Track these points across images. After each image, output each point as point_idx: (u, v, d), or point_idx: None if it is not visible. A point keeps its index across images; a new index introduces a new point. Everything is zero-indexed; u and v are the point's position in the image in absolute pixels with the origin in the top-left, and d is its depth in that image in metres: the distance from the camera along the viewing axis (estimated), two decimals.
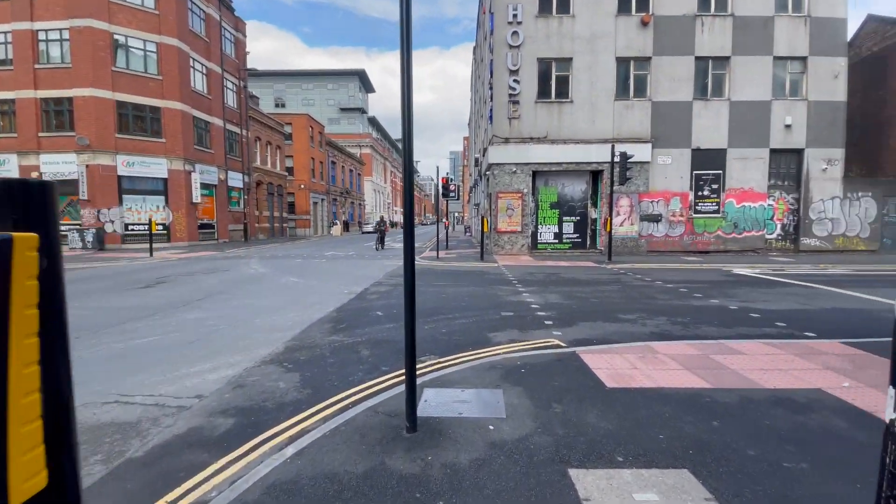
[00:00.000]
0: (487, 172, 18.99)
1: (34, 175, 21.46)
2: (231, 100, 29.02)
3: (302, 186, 41.05)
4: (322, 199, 44.98)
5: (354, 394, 3.96)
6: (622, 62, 17.50)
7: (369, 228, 47.54)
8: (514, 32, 17.03)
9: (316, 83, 71.69)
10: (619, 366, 4.47)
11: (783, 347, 5.10)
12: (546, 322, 6.45)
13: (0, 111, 21.57)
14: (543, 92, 17.51)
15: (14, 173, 21.54)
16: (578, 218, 18.23)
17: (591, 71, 17.34)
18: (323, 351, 5.22)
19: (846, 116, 17.58)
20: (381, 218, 25.75)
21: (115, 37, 21.62)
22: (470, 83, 44.92)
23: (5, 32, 21.11)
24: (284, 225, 38.36)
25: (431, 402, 3.66)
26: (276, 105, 66.92)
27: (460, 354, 4.97)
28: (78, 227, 21.44)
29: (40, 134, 21.40)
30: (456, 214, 71.81)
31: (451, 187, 20.26)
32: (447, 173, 20.35)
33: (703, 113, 17.53)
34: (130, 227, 22.50)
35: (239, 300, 8.31)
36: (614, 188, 15.74)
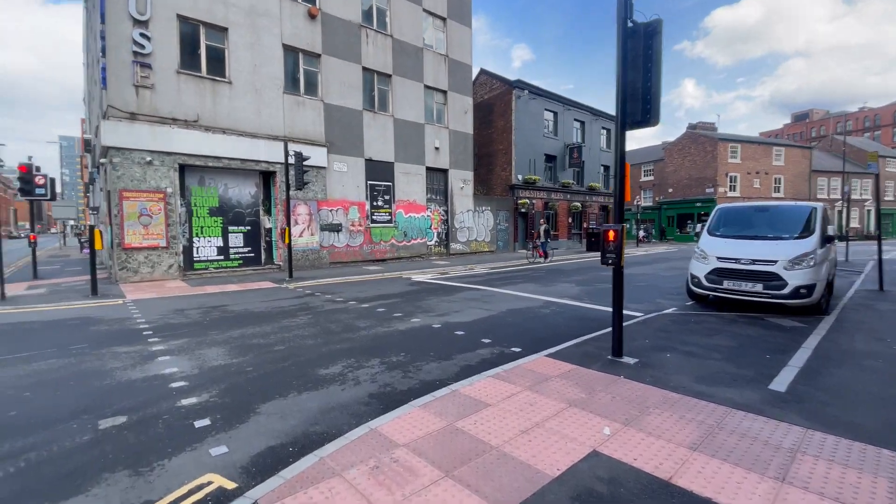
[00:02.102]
0: (104, 160, 12.81)
1: None
2: None
3: None
4: None
5: None
6: (290, 52, 15.51)
7: None
8: None
9: None
10: None
11: (513, 380, 4.25)
12: (198, 423, 3.46)
13: None
14: (191, 61, 13.25)
15: None
16: (249, 228, 14.95)
17: (255, 51, 14.47)
18: None
19: (473, 146, 22.11)
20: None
21: None
22: (84, 45, 32.56)
23: None
24: None
25: None
26: None
27: None
28: None
29: None
30: (72, 223, 51.37)
31: (38, 180, 12.74)
32: (36, 170, 12.61)
33: (372, 124, 17.87)
34: None
35: None
36: (291, 193, 13.55)
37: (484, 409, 3.61)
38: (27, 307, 8.71)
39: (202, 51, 13.46)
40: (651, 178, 43.45)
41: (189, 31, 13.22)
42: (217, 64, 13.79)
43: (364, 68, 17.53)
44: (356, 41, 17.24)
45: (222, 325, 6.98)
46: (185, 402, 3.89)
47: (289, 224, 13.03)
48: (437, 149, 20.21)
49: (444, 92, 20.63)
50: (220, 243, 14.22)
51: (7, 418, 3.57)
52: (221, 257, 14.24)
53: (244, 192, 14.77)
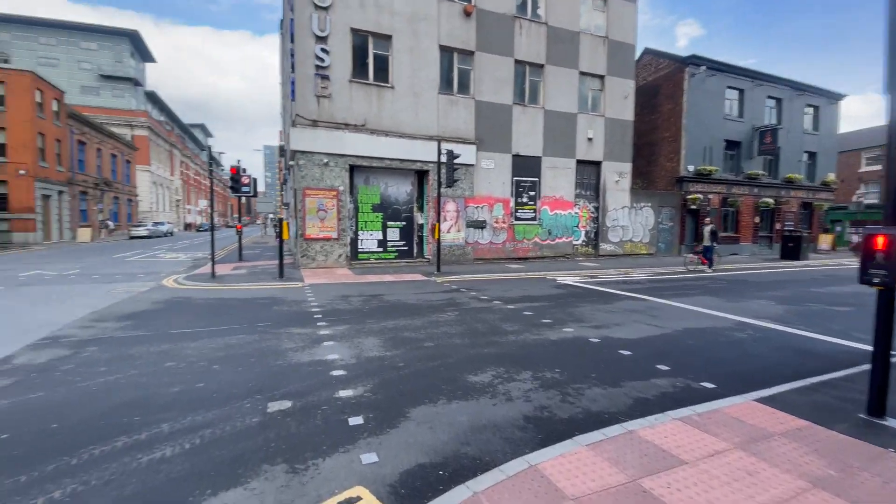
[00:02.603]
0: (292, 162, 15.01)
1: None
2: None
3: (21, 172, 28.67)
4: (60, 192, 32.55)
5: None
6: (446, 52, 15.90)
7: (142, 232, 36.94)
8: None
9: (63, 39, 53.35)
10: None
11: (712, 430, 3.22)
12: (352, 420, 3.41)
13: None
14: (361, 71, 14.57)
15: None
16: (405, 223, 15.89)
17: (414, 55, 15.21)
18: None
19: (632, 134, 19.81)
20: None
21: None
22: (280, 66, 39.30)
23: None
24: None
25: None
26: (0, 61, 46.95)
27: None
28: None
29: None
30: (271, 216, 63.32)
31: (244, 180, 15.58)
32: (243, 171, 15.53)
33: (522, 118, 17.30)
34: None
35: None
36: (441, 191, 13.90)
37: (679, 469, 2.75)
38: (230, 285, 10.57)
39: (370, 59, 14.66)
40: (878, 167, 33.43)
41: (359, 43, 14.52)
42: (381, 71, 14.88)
43: (516, 61, 17.03)
44: (509, 34, 16.84)
45: (378, 315, 7.28)
46: (342, 393, 3.92)
47: (438, 220, 13.36)
48: (589, 140, 18.62)
49: (601, 77, 18.85)
50: (380, 237, 15.42)
51: (195, 390, 4.06)
52: (381, 249, 15.43)
53: (401, 190, 15.73)
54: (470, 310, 7.87)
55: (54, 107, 32.09)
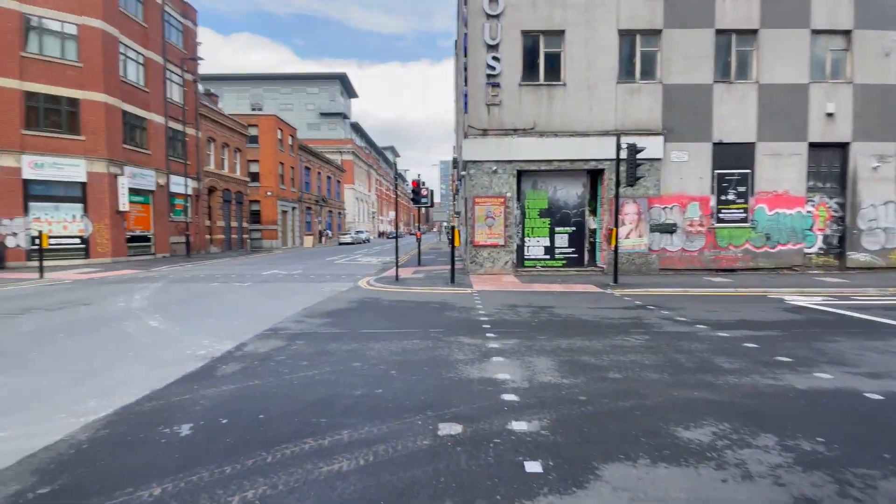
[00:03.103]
0: (463, 173, 15.54)
1: None
2: (176, 94, 25.38)
3: (269, 193, 37.35)
4: (293, 208, 41.26)
5: None
6: (626, 36, 14.23)
7: (347, 239, 43.94)
8: None
9: (294, 87, 68.38)
10: None
11: None
12: (529, 466, 2.86)
13: None
14: (530, 73, 14.15)
15: None
16: (574, 228, 14.77)
17: (588, 47, 14.04)
18: None
19: None
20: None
21: (27, 16, 18.04)
22: (454, 85, 42.00)
23: None
24: (245, 236, 34.50)
25: None
26: (253, 110, 63.42)
27: None
28: None
29: None
30: (445, 224, 68.55)
31: (423, 192, 16.82)
32: (423, 184, 16.83)
33: (725, 98, 14.27)
34: (38, 241, 18.59)
35: None
36: (620, 191, 12.37)
37: None
38: (410, 288, 11.29)
39: (540, 59, 14.12)
40: None
41: (529, 45, 14.11)
42: (552, 70, 14.16)
43: (717, 31, 14.16)
44: (707, 1, 14.11)
45: (550, 330, 6.61)
46: (515, 425, 3.43)
47: (616, 224, 11.91)
48: (829, 115, 14.21)
49: (846, 33, 14.21)
50: (547, 243, 14.67)
51: (374, 396, 4.08)
52: (548, 256, 14.68)
53: (571, 192, 14.69)
54: (664, 334, 6.53)
55: (290, 142, 40.83)
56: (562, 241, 14.72)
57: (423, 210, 23.28)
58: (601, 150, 13.88)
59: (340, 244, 43.37)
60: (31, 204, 18.55)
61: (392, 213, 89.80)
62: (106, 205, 20.05)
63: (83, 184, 19.57)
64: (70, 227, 19.48)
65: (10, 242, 18.06)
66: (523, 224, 14.63)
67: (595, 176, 14.67)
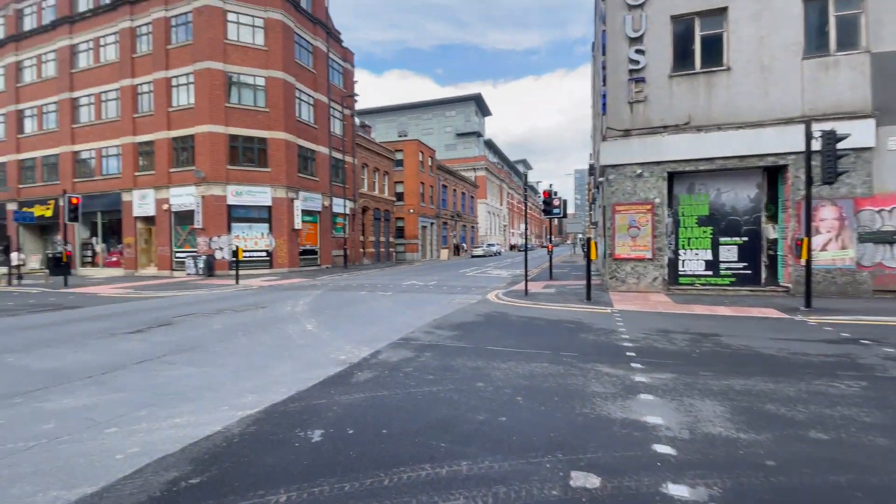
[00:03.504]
0: (601, 179, 14.31)
1: (164, 208, 23.65)
2: (337, 128, 29.27)
3: (411, 211, 40.33)
4: (431, 223, 43.79)
5: None
6: (812, 0, 11.47)
7: (479, 252, 44.76)
8: None
9: (435, 112, 73.28)
10: None
11: None
12: None
13: (144, 151, 24.42)
14: (682, 62, 12.39)
15: (151, 206, 24.05)
16: (746, 239, 12.28)
17: (760, 21, 11.69)
18: None
19: None
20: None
21: (229, 75, 22.92)
22: (591, 89, 39.86)
23: (149, 82, 23.99)
24: (391, 250, 37.71)
25: None
26: (399, 136, 70.06)
27: None
28: (194, 254, 22.72)
29: (170, 170, 23.47)
30: (580, 236, 65.02)
31: (555, 202, 16.05)
32: (555, 194, 16.15)
33: None
34: (241, 254, 23.14)
35: (168, 372, 5.66)
36: (813, 191, 9.79)
37: None
38: (540, 304, 10.65)
39: (696, 45, 12.27)
40: None
41: (681, 30, 12.40)
42: (712, 54, 12.18)
43: None
44: None
45: (717, 365, 5.39)
46: (672, 489, 2.70)
47: (808, 233, 9.47)
48: None
49: None
50: (709, 256, 12.48)
51: (498, 425, 3.70)
52: (709, 273, 12.47)
53: (741, 195, 12.29)
54: (892, 381, 4.76)
55: (429, 162, 43.62)
56: (728, 253, 12.37)
57: (555, 221, 22.30)
58: (781, 142, 11.34)
59: (473, 257, 44.36)
60: (233, 224, 23.19)
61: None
62: (285, 224, 23.97)
63: (269, 207, 23.75)
64: (259, 243, 23.75)
65: (218, 255, 22.80)
66: (677, 234, 12.73)
67: (773, 174, 12.03)
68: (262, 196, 23.50)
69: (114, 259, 26.00)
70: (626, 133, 12.61)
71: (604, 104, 13.36)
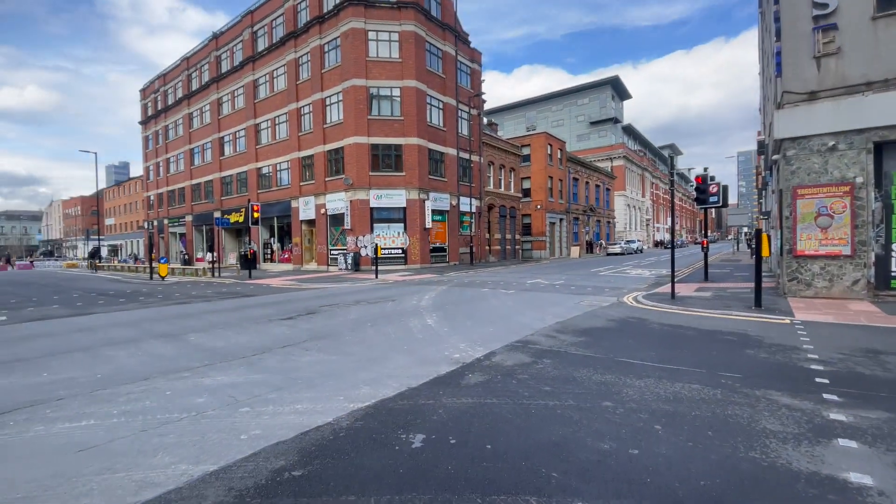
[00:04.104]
0: (776, 157, 11.57)
1: (322, 212, 27.13)
2: (465, 129, 29.85)
3: (538, 207, 39.10)
4: (561, 219, 41.79)
5: None
6: None
7: (616, 249, 41.20)
8: None
9: (565, 102, 69.90)
10: None
11: None
12: None
13: (306, 164, 28.37)
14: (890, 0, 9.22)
15: (312, 211, 27.81)
16: None
17: None
18: None
19: None
20: None
21: (370, 89, 25.12)
22: (759, 55, 33.33)
23: (308, 104, 27.75)
24: (517, 247, 37.09)
25: None
26: (527, 131, 68.74)
27: None
28: (344, 251, 25.57)
29: (326, 179, 26.81)
30: (745, 230, 55.06)
31: (712, 189, 13.73)
32: (710, 179, 13.81)
33: None
34: (380, 251, 25.33)
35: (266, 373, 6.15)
36: None
37: None
38: (691, 310, 9.02)
39: None
40: None
41: None
42: None
43: None
44: None
45: None
46: None
47: None
48: None
49: None
50: None
51: (627, 458, 3.01)
52: None
53: None
54: None
55: (558, 155, 41.73)
56: None
57: (712, 213, 19.02)
58: None
59: (608, 255, 40.96)
60: (375, 225, 25.39)
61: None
62: (417, 223, 25.39)
63: (403, 208, 25.41)
64: (396, 241, 25.59)
65: (363, 252, 25.21)
66: (888, 223, 9.58)
67: None
68: (398, 198, 25.23)
69: (286, 256, 30.83)
70: (812, 96, 9.92)
71: (778, 64, 10.75)
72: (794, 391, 4.22)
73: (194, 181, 39.00)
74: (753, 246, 9.24)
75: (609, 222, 54.28)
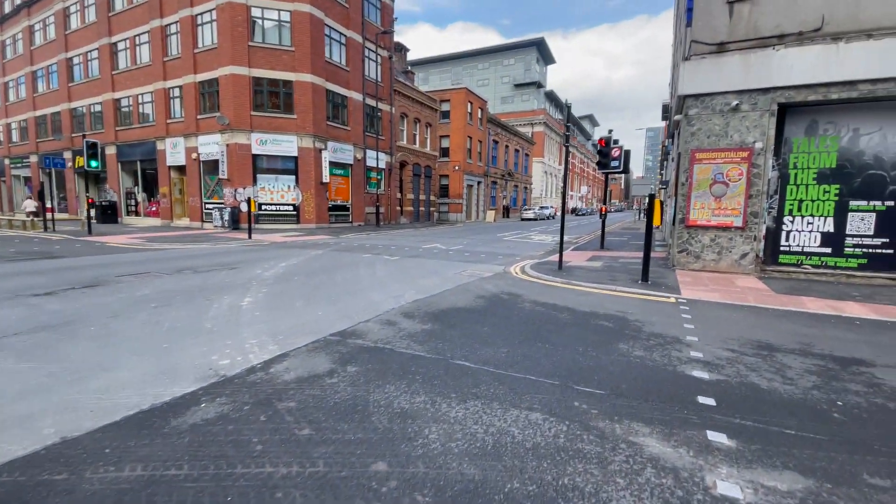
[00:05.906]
0: (678, 117, 10.69)
1: (193, 157, 22.82)
2: (373, 71, 26.61)
3: (456, 168, 37.43)
4: (478, 182, 40.67)
5: None
6: None
7: (530, 215, 41.32)
8: None
9: (492, 61, 67.72)
10: None
11: None
12: None
13: (173, 98, 23.50)
14: None
15: (181, 155, 23.34)
16: (893, 203, 8.44)
17: None
18: None
19: None
20: None
21: (252, 10, 20.86)
22: (673, 26, 33.55)
23: (175, 22, 22.61)
24: (432, 209, 35.40)
25: None
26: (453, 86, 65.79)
27: None
28: (221, 205, 21.85)
29: (198, 117, 22.40)
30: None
31: (614, 153, 12.82)
32: (614, 143, 12.74)
33: None
34: (263, 207, 22.00)
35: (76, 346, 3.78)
36: None
37: None
38: (574, 283, 7.85)
39: None
40: None
41: None
42: None
43: None
44: None
45: (868, 426, 2.55)
46: None
47: None
48: None
49: None
50: (829, 227, 8.80)
51: None
52: (827, 250, 8.84)
53: (892, 139, 8.34)
54: None
55: (479, 115, 39.94)
56: (862, 224, 8.61)
57: (621, 184, 18.68)
58: None
59: (522, 219, 41.00)
60: (259, 175, 21.88)
61: (585, 189, 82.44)
62: (312, 177, 22.31)
63: (295, 158, 22.10)
64: (286, 196, 22.38)
65: (243, 207, 21.72)
66: (783, 194, 9.10)
67: None
68: (287, 145, 21.84)
69: (153, 209, 26.08)
70: (721, 48, 8.89)
71: (689, 10, 9.57)
72: (669, 424, 2.84)
73: (38, 112, 31.47)
74: (647, 213, 8.21)
75: (526, 188, 54.56)
